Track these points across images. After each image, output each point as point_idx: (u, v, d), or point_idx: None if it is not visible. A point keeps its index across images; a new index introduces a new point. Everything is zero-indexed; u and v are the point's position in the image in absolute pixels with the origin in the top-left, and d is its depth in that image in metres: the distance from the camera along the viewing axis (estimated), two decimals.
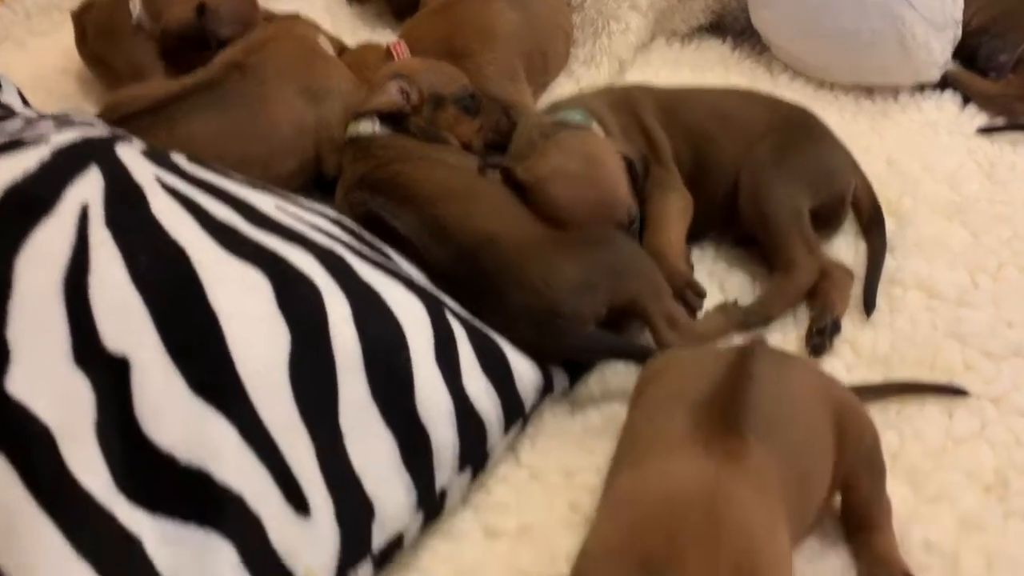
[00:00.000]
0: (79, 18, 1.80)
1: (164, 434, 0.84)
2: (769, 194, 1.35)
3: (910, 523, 1.07)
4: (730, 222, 1.43)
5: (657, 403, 0.99)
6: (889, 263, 1.39)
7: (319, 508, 0.92)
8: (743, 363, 0.93)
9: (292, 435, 0.92)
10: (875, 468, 1.01)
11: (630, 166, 1.33)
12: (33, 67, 1.88)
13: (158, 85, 1.50)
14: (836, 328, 1.29)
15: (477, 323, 1.16)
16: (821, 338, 1.28)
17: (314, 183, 1.50)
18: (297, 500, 0.91)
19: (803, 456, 0.93)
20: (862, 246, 1.43)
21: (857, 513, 1.03)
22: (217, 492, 0.85)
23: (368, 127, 1.41)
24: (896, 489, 1.08)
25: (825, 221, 1.42)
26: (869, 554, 1.01)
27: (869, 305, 1.32)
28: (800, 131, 1.43)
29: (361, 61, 1.64)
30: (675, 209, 1.39)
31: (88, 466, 0.80)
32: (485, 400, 1.09)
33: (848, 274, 1.36)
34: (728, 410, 0.88)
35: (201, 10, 1.61)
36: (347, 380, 0.97)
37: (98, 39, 1.76)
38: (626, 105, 1.44)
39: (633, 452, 0.95)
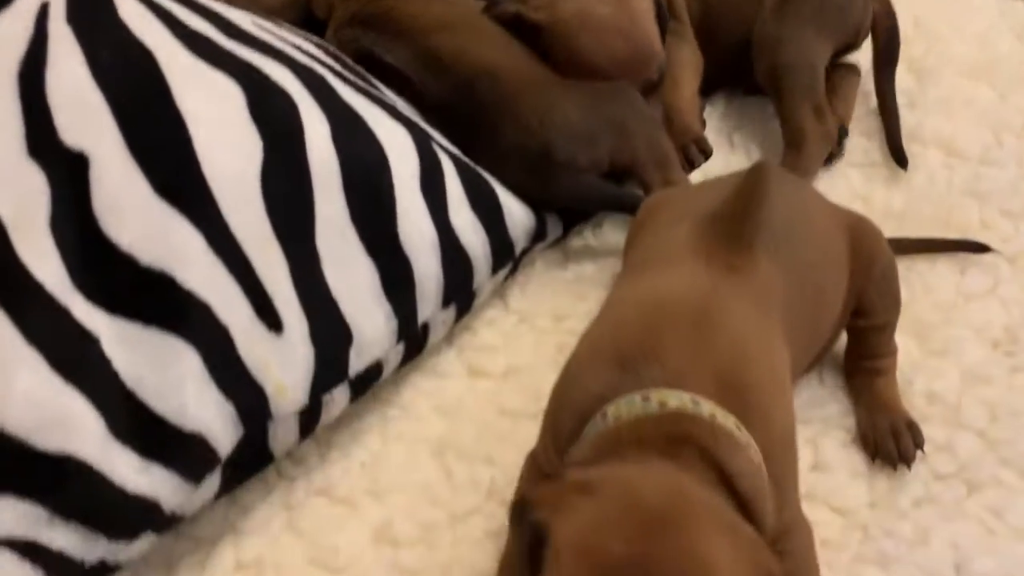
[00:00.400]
0: None
1: (124, 234, 0.79)
2: (783, 56, 1.26)
3: (914, 374, 1.03)
4: (741, 76, 1.35)
5: (659, 227, 0.93)
6: (909, 120, 1.31)
7: (292, 327, 0.88)
8: (754, 180, 0.86)
9: (263, 249, 0.87)
10: (889, 296, 0.97)
11: (659, 11, 1.25)
12: None
13: None
14: (844, 132, 1.26)
15: (467, 160, 1.11)
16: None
17: (303, 23, 1.42)
18: (269, 316, 0.87)
19: (815, 275, 0.88)
20: None
21: (864, 351, 0.99)
22: (181, 297, 0.81)
23: None
24: (902, 342, 1.03)
25: (843, 52, 1.35)
26: (871, 399, 0.97)
27: (901, 159, 1.27)
28: None
29: None
30: (690, 63, 1.32)
31: (41, 258, 0.75)
32: (472, 235, 1.04)
33: (853, 72, 1.29)
34: (735, 223, 0.83)
35: None
36: (324, 199, 0.92)
37: None
38: None
39: (632, 270, 0.90)
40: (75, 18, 0.87)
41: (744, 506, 0.68)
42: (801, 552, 0.79)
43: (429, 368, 1.05)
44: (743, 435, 0.70)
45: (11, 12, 0.86)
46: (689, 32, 1.34)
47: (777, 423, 0.75)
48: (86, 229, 0.78)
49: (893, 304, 0.97)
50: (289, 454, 0.95)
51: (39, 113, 0.80)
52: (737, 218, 0.84)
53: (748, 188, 0.86)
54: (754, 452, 0.71)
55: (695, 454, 0.67)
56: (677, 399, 0.70)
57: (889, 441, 0.94)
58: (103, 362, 0.76)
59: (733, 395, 0.72)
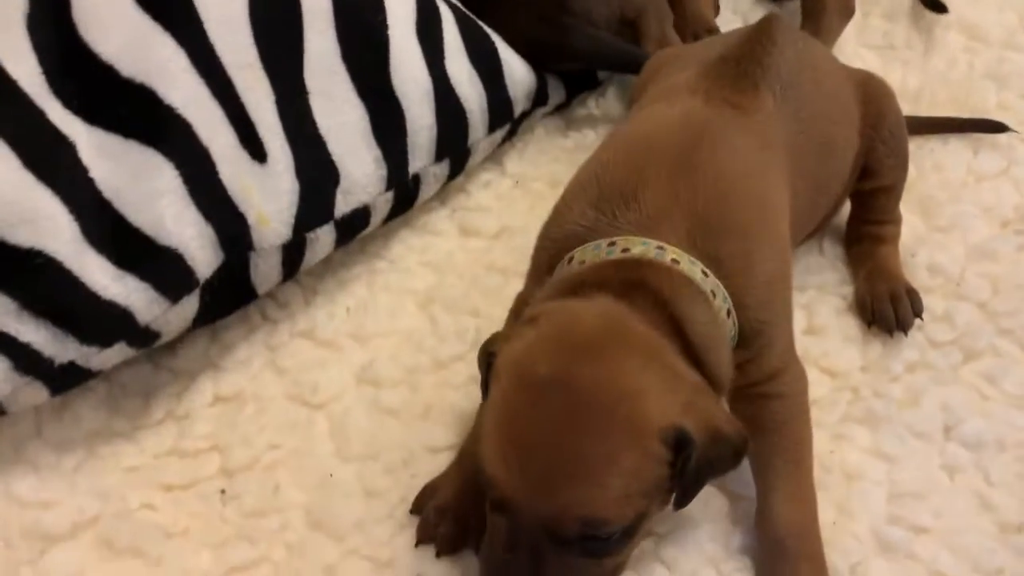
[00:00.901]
0: None
1: (105, 43, 0.77)
2: None
3: (917, 247, 1.00)
4: None
5: (663, 78, 0.90)
6: None
7: (276, 158, 0.86)
8: (763, 27, 0.84)
9: (249, 76, 0.85)
10: (897, 155, 0.93)
11: None
12: None
13: None
14: None
15: (470, 14, 1.07)
16: None
17: None
18: (252, 145, 0.84)
19: (824, 127, 0.85)
20: None
21: (869, 215, 0.96)
22: (162, 112, 0.79)
23: None
24: (908, 218, 1.00)
25: None
26: (872, 266, 0.94)
27: (937, 5, 1.24)
28: None
29: None
30: None
31: (16, 56, 0.73)
32: (468, 88, 1.01)
33: (842, 12, 1.24)
34: (741, 64, 0.80)
35: None
36: (314, 32, 0.89)
37: None
38: None
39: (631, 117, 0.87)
40: None
41: (695, 353, 0.67)
42: (792, 396, 0.77)
43: (420, 225, 1.04)
44: (709, 282, 0.69)
45: None
46: None
47: (760, 266, 0.73)
48: (65, 34, 0.76)
49: (900, 164, 0.94)
50: (273, 297, 0.94)
51: None
52: (743, 59, 0.81)
53: (757, 33, 0.84)
54: (721, 299, 0.69)
55: (649, 299, 0.67)
56: (641, 246, 0.68)
57: (887, 307, 0.91)
58: (79, 168, 0.74)
59: (709, 239, 0.70)
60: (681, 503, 0.67)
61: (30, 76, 0.74)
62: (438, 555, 0.75)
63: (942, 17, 1.25)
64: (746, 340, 0.73)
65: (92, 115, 0.76)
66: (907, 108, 1.14)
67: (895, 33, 1.25)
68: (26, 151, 0.71)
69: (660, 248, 0.69)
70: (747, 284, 0.72)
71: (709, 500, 0.80)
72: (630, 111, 1.01)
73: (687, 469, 0.63)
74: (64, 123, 0.75)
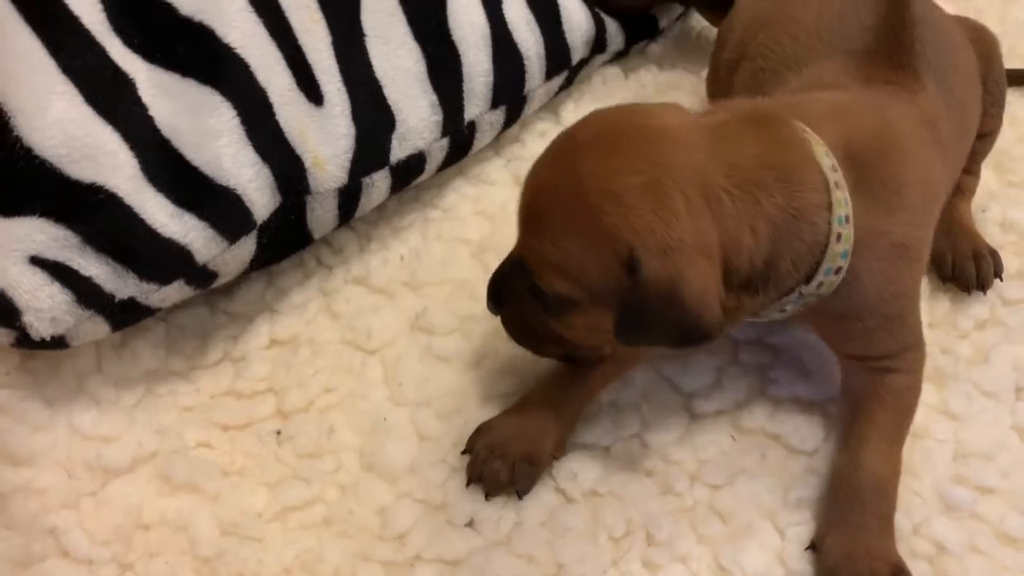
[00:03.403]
0: None
1: None
2: None
3: (989, 203, 0.96)
4: None
5: (782, 41, 0.83)
6: None
7: (333, 102, 0.85)
8: (899, 2, 0.78)
9: (307, 16, 0.84)
10: (999, 104, 0.90)
11: None
12: None
13: None
14: None
15: None
16: None
17: None
18: (309, 87, 0.84)
19: (965, 103, 0.81)
20: None
21: None
22: (220, 51, 0.78)
23: None
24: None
25: None
26: (951, 220, 0.90)
27: None
28: None
29: None
30: None
31: None
32: (526, 33, 0.99)
33: None
34: (897, 50, 0.76)
35: None
36: None
37: None
38: None
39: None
40: None
41: (763, 228, 0.64)
42: (912, 372, 0.75)
43: (474, 175, 1.02)
44: (837, 181, 0.66)
45: None
46: None
47: (901, 230, 0.70)
48: None
49: (999, 114, 0.90)
50: (328, 243, 0.94)
51: None
52: (895, 43, 0.76)
53: (897, 11, 0.78)
54: (842, 210, 0.66)
55: (754, 133, 0.65)
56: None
57: (969, 264, 0.88)
58: (139, 105, 0.75)
59: (863, 179, 0.68)
60: (617, 333, 0.64)
61: (91, 13, 0.74)
62: (487, 496, 0.75)
63: None
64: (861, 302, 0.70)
65: (151, 53, 0.76)
66: None
67: None
68: (88, 87, 0.72)
69: (803, 128, 0.67)
70: (905, 255, 0.70)
71: (767, 452, 0.78)
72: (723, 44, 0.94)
73: (626, 300, 0.61)
74: (124, 60, 0.75)
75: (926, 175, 0.72)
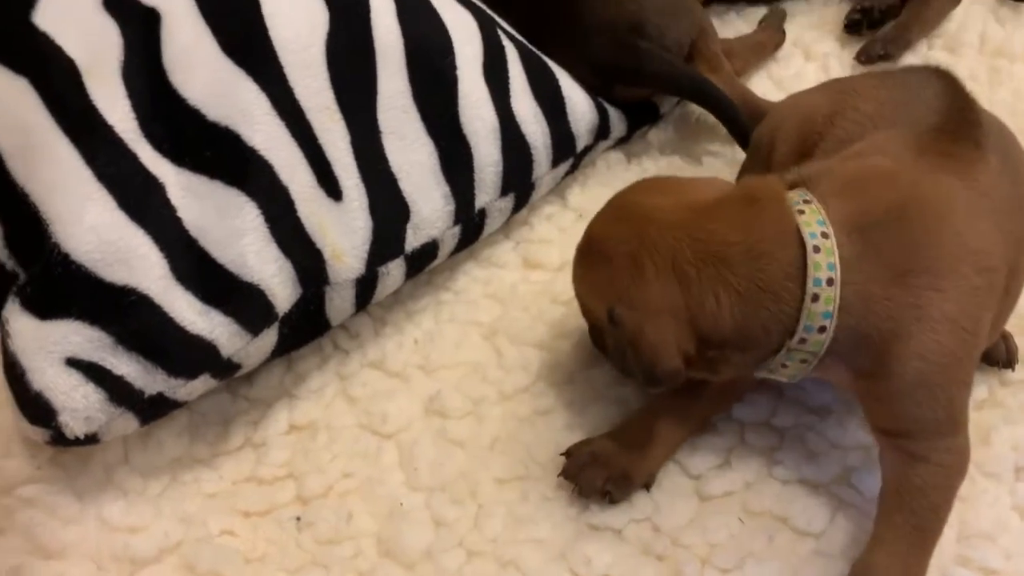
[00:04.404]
0: None
1: (192, 88, 0.81)
2: None
3: None
4: None
5: (840, 129, 0.87)
6: (997, 34, 1.26)
7: (352, 196, 0.89)
8: (956, 87, 0.83)
9: (326, 117, 0.88)
10: None
11: None
12: None
13: None
14: (882, 19, 1.26)
15: (534, 50, 1.09)
16: (860, 16, 1.26)
17: None
18: (329, 183, 0.88)
19: (1016, 183, 0.82)
20: None
21: None
22: (245, 153, 0.82)
23: None
24: None
25: None
26: None
27: None
28: None
29: None
30: None
31: (112, 104, 0.78)
32: (533, 125, 1.04)
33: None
34: (962, 125, 0.79)
35: None
36: (387, 74, 0.92)
37: None
38: None
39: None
40: None
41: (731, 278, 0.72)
42: (943, 467, 0.74)
43: (485, 258, 1.06)
44: (826, 253, 0.71)
45: None
46: None
47: (941, 304, 0.71)
48: (156, 80, 0.80)
49: None
50: (344, 327, 0.97)
51: None
52: (958, 121, 0.79)
53: (955, 96, 0.82)
54: (826, 274, 0.71)
55: (738, 212, 0.74)
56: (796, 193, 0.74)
57: (1000, 341, 0.90)
58: (168, 207, 0.78)
59: (890, 239, 0.72)
60: (612, 364, 0.83)
61: (124, 121, 0.78)
62: (579, 494, 0.82)
63: (1005, 48, 1.25)
64: (894, 375, 0.72)
65: (180, 157, 0.80)
66: None
67: (958, 65, 1.23)
68: (121, 193, 0.76)
69: (807, 199, 0.74)
70: (922, 315, 0.71)
71: (775, 535, 0.80)
72: (765, 155, 0.96)
73: (612, 340, 0.77)
74: (154, 165, 0.79)
75: (969, 245, 0.73)
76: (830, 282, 0.70)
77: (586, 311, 0.85)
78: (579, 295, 0.85)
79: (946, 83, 0.84)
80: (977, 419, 0.88)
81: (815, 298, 0.71)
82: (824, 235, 0.71)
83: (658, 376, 0.74)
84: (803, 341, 0.72)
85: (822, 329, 0.71)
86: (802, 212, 0.72)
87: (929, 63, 1.23)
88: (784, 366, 0.75)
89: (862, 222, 0.72)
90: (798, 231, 0.71)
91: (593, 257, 0.81)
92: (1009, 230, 0.77)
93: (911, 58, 1.26)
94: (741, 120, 1.09)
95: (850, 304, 0.71)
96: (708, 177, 0.86)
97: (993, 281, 0.74)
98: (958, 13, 1.29)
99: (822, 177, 0.76)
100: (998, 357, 0.91)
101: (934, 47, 1.27)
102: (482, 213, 1.01)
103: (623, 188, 0.85)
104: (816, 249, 0.71)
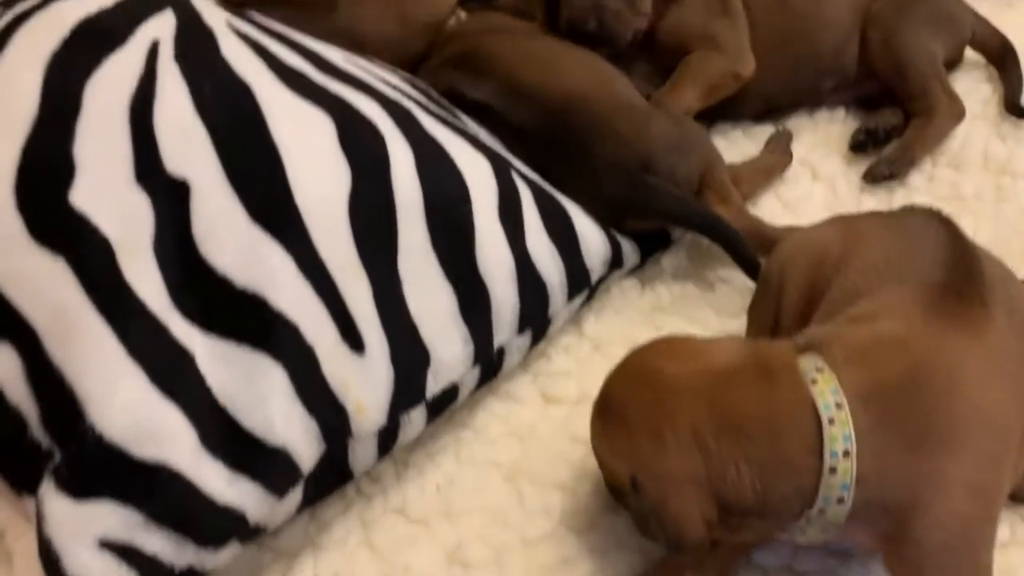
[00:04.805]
0: None
1: (221, 256, 0.84)
2: (903, 43, 1.31)
3: None
4: (807, 92, 1.38)
5: (846, 277, 0.89)
6: (1000, 151, 1.29)
7: (374, 348, 0.91)
8: (955, 237, 0.84)
9: (349, 273, 0.91)
10: None
11: None
12: None
13: None
14: (887, 138, 1.29)
15: (547, 187, 1.13)
16: (865, 137, 1.29)
17: None
18: (352, 337, 0.90)
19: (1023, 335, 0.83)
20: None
21: None
22: (272, 317, 0.85)
23: (452, 22, 1.41)
24: None
25: (947, 68, 1.37)
26: None
27: (1015, 106, 1.32)
28: None
29: None
30: (711, 72, 1.30)
31: (144, 278, 0.81)
32: (548, 262, 1.06)
33: (953, 116, 1.29)
34: (966, 280, 0.80)
35: None
36: (407, 226, 0.96)
37: None
38: None
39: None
40: (182, 55, 0.94)
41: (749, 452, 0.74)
42: None
43: (503, 392, 1.07)
44: (840, 424, 0.72)
45: (126, 50, 0.92)
46: (737, 41, 1.32)
47: (957, 474, 0.73)
48: (186, 251, 0.84)
49: None
50: (367, 472, 0.98)
51: (146, 143, 0.86)
52: (962, 275, 0.80)
53: (959, 248, 0.83)
54: (843, 448, 0.72)
55: (751, 379, 0.76)
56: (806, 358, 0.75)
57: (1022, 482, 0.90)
58: (198, 377, 0.81)
59: (899, 409, 0.73)
60: (637, 528, 0.83)
61: (156, 295, 0.81)
62: None
63: (1009, 165, 1.27)
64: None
65: (210, 324, 0.83)
66: None
67: (963, 183, 1.26)
68: (152, 367, 0.78)
69: (819, 367, 0.75)
70: (940, 484, 0.72)
71: None
72: (775, 297, 0.97)
73: (634, 506, 0.79)
74: (184, 335, 0.81)
75: (983, 410, 0.75)
76: (846, 454, 0.72)
77: (606, 471, 0.86)
78: (598, 454, 0.86)
79: (947, 231, 0.86)
80: (1000, 560, 0.87)
81: (832, 471, 0.72)
82: (838, 406, 0.72)
83: (684, 542, 0.75)
84: (822, 512, 0.73)
85: (840, 500, 0.72)
86: (815, 382, 0.74)
87: (935, 181, 1.28)
88: (805, 532, 0.76)
89: (876, 391, 0.73)
90: (813, 403, 0.73)
91: (613, 420, 0.82)
92: (1021, 386, 0.78)
93: (916, 176, 1.28)
94: (749, 254, 1.12)
95: (867, 475, 0.72)
96: (722, 339, 0.88)
97: (1010, 442, 0.76)
98: (960, 130, 1.32)
99: (833, 343, 0.77)
100: (1020, 494, 0.91)
101: (938, 164, 1.30)
102: (500, 352, 1.03)
103: (639, 347, 0.86)
104: (831, 421, 0.72)
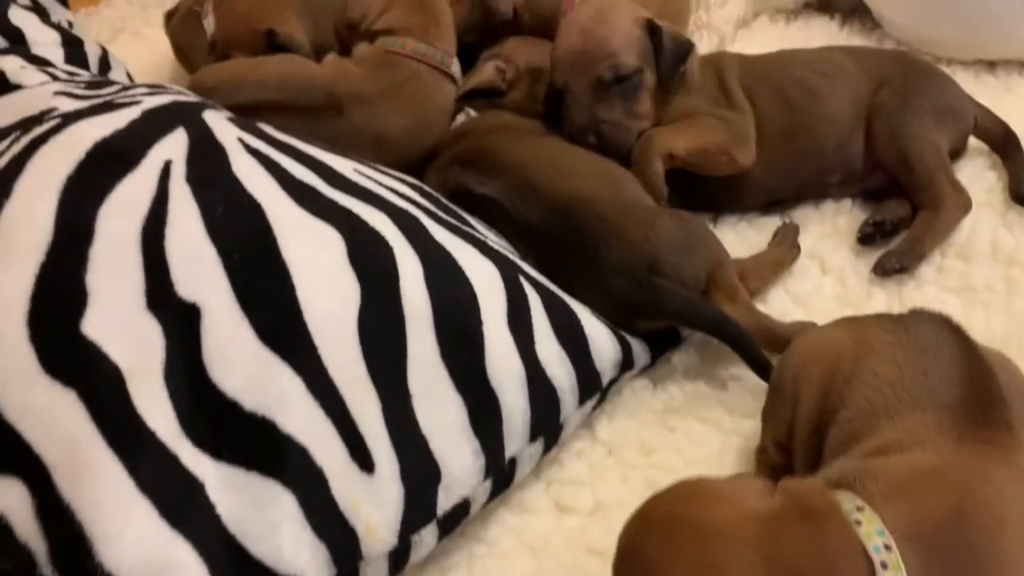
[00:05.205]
0: (166, 25, 1.84)
1: (230, 380, 0.84)
2: (907, 135, 1.31)
3: None
4: (812, 185, 1.39)
5: (861, 390, 0.87)
6: (1008, 241, 1.28)
7: (383, 466, 0.90)
8: (969, 350, 0.84)
9: (359, 390, 0.91)
10: None
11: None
12: (148, 57, 1.95)
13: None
14: (894, 230, 1.30)
15: (555, 290, 1.13)
16: (873, 229, 1.29)
17: None
18: (362, 456, 0.89)
19: None
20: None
21: None
22: (281, 441, 0.84)
23: (461, 118, 1.44)
24: None
25: (951, 157, 1.38)
26: None
27: (1020, 196, 1.33)
28: (915, 73, 1.40)
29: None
30: (713, 138, 1.31)
31: (155, 408, 0.81)
32: (559, 368, 1.06)
33: (960, 207, 1.30)
34: (987, 403, 0.79)
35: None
36: (416, 339, 0.96)
37: (178, 52, 1.81)
38: (712, 63, 1.41)
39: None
40: (193, 176, 0.95)
41: None
42: None
43: (516, 503, 1.06)
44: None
45: (139, 172, 0.94)
46: (741, 127, 1.34)
47: None
48: (196, 377, 0.84)
49: None
50: None
51: (158, 268, 0.87)
52: (985, 399, 0.79)
53: (975, 365, 0.82)
54: None
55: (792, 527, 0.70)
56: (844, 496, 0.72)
57: None
58: (208, 507, 0.80)
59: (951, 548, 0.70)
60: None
61: (166, 424, 0.81)
62: None
63: (1017, 255, 1.27)
64: None
65: (218, 451, 0.83)
66: None
67: (972, 274, 1.26)
68: (162, 500, 0.77)
69: (859, 506, 0.71)
70: None
71: None
72: (790, 400, 0.96)
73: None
74: (194, 464, 0.81)
75: None
76: None
77: None
78: None
79: (959, 343, 0.85)
80: None
81: None
82: (887, 547, 0.69)
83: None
84: None
85: None
86: (859, 523, 0.71)
87: (944, 272, 1.28)
88: None
89: (920, 529, 0.71)
90: (862, 546, 0.70)
91: None
92: None
93: (926, 268, 1.28)
94: (758, 355, 1.11)
95: None
96: (740, 477, 0.84)
97: None
98: (967, 220, 1.32)
99: (867, 478, 0.74)
100: None
101: (947, 255, 1.29)
102: (512, 462, 1.02)
103: (657, 496, 0.78)
104: (884, 565, 0.68)
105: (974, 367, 0.82)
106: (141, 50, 2.01)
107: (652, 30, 1.31)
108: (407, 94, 1.42)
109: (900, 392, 0.83)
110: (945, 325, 0.89)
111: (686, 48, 1.33)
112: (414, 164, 1.40)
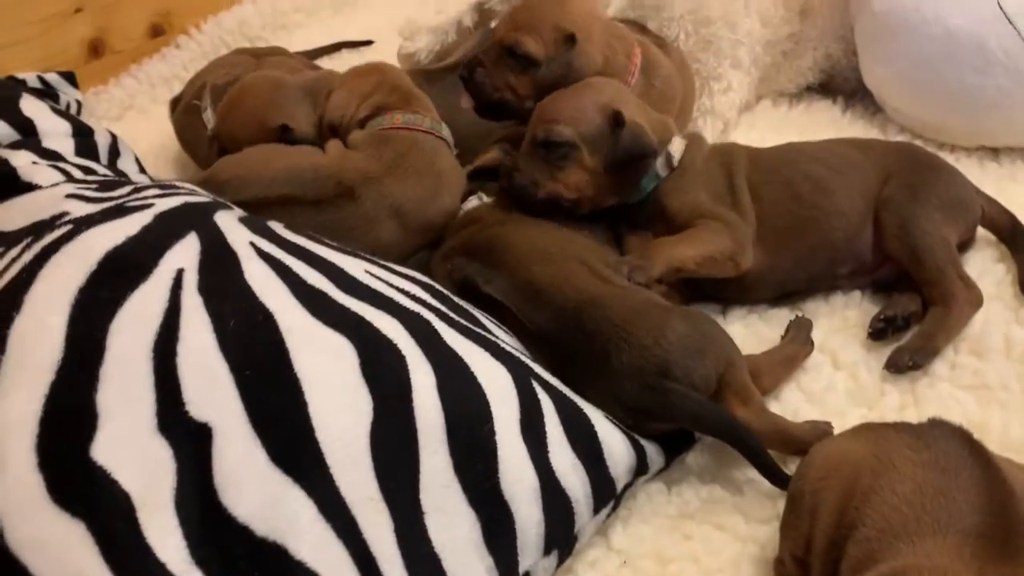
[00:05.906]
0: (171, 113, 1.86)
1: (242, 505, 0.82)
2: (917, 229, 1.32)
3: None
4: (819, 279, 1.39)
5: (882, 514, 0.85)
6: (1020, 336, 1.28)
7: None
8: (989, 470, 0.83)
9: (371, 510, 0.89)
10: None
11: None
12: (155, 135, 1.97)
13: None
14: (906, 324, 1.30)
15: (568, 394, 1.12)
16: (885, 324, 1.29)
17: None
18: None
19: None
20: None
21: None
22: (292, 568, 0.82)
23: (474, 202, 1.44)
24: None
25: (960, 249, 1.39)
26: None
27: None
28: (922, 166, 1.41)
29: None
30: (717, 245, 1.32)
31: (165, 537, 0.79)
32: (573, 478, 1.04)
33: (971, 303, 1.30)
34: (1009, 534, 0.78)
35: None
36: (428, 454, 0.94)
37: (182, 142, 1.82)
38: (721, 156, 1.42)
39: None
40: (205, 286, 0.95)
41: None
42: None
43: None
44: None
45: (150, 283, 0.94)
46: (742, 229, 1.34)
47: None
48: (207, 502, 0.82)
49: None
50: None
51: (169, 387, 0.86)
52: (1005, 531, 0.78)
53: (993, 485, 0.81)
54: None
55: None
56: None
57: None
58: None
59: None
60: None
61: (176, 552, 0.79)
62: None
63: None
64: None
65: None
66: (1015, 459, 1.13)
67: (987, 372, 1.25)
68: None
69: None
70: None
71: None
72: (809, 512, 0.94)
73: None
74: None
75: None
76: None
77: None
78: None
79: (978, 463, 0.84)
80: None
81: None
82: None
83: None
84: None
85: None
86: None
87: (957, 368, 1.27)
88: None
89: None
90: None
91: None
92: None
93: (939, 364, 1.27)
94: (769, 463, 1.10)
95: None
96: None
97: None
98: (980, 315, 1.31)
99: None
100: None
101: (960, 351, 1.29)
102: None
103: None
104: None
105: (995, 493, 0.81)
106: (149, 127, 2.03)
107: (617, 122, 1.32)
108: (411, 164, 1.43)
109: (920, 514, 0.82)
110: (966, 443, 0.88)
111: (642, 152, 1.32)
112: (439, 228, 1.43)
